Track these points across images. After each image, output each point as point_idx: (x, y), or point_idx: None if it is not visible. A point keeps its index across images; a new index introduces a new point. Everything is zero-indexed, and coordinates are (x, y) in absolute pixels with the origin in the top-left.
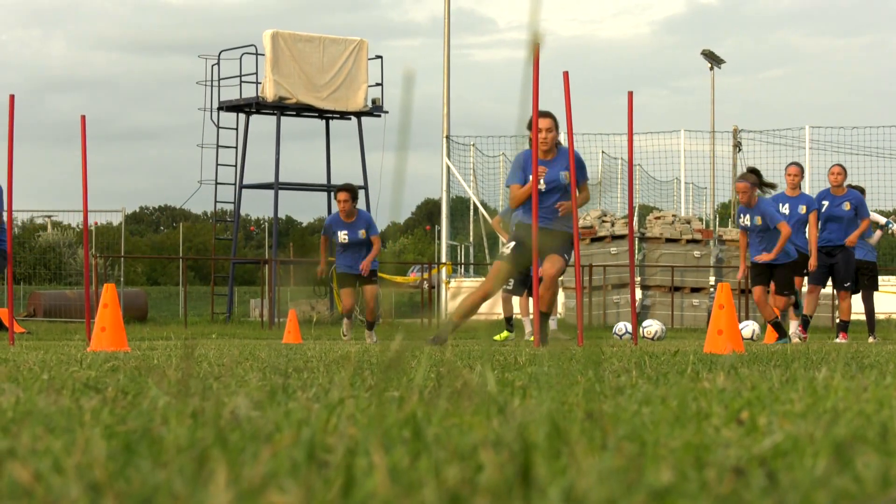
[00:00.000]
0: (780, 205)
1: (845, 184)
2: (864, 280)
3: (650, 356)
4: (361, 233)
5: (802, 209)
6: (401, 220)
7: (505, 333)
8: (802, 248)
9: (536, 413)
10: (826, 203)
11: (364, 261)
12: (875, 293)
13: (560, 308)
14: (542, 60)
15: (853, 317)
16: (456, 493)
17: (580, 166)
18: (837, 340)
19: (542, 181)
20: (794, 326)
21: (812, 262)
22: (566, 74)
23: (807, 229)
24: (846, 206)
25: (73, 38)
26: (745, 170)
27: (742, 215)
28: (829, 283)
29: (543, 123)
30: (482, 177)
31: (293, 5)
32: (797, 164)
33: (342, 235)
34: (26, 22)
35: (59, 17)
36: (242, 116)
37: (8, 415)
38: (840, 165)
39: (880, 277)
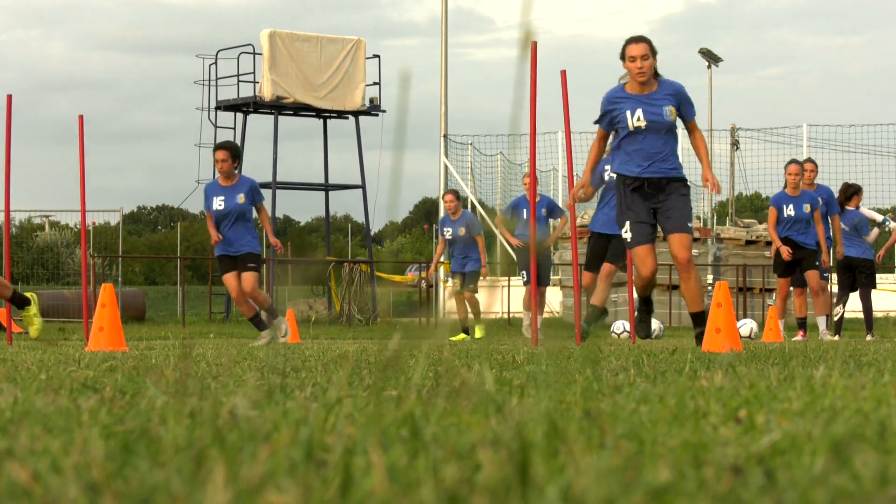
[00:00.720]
0: (784, 205)
1: (802, 183)
2: (861, 278)
3: (648, 355)
4: (240, 198)
5: (807, 208)
6: (398, 220)
7: (462, 335)
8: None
9: (534, 412)
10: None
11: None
12: (873, 291)
13: (558, 307)
14: (539, 59)
15: (850, 315)
16: (454, 492)
17: (684, 100)
18: (796, 339)
19: (640, 117)
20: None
21: (825, 258)
22: (563, 73)
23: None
24: (807, 209)
25: (71, 38)
26: (743, 168)
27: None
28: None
29: (637, 50)
30: (480, 176)
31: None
32: (797, 161)
33: (217, 202)
34: (25, 22)
35: (58, 17)
36: (240, 116)
37: (6, 415)
38: (797, 164)
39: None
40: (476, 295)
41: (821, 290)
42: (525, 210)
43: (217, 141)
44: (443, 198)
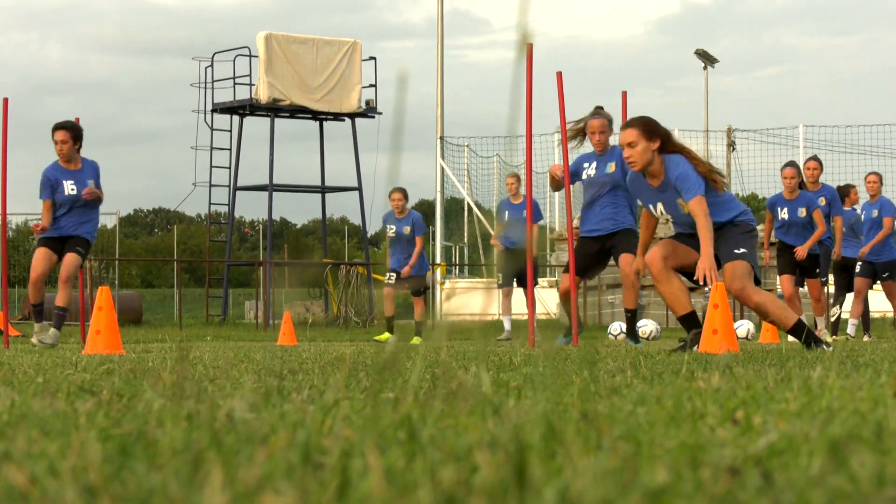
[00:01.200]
0: (779, 208)
1: (807, 183)
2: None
3: (645, 356)
4: (90, 184)
5: (802, 212)
6: None
7: (386, 335)
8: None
9: (531, 414)
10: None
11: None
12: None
13: (554, 308)
14: (535, 61)
15: (845, 315)
16: (451, 494)
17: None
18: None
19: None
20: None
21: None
22: (559, 75)
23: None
24: (801, 213)
25: (68, 41)
26: (740, 170)
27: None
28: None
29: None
30: (476, 178)
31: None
32: (792, 164)
33: (69, 186)
34: (22, 24)
35: (55, 19)
36: (236, 118)
37: (3, 418)
38: (793, 168)
39: None
40: (423, 300)
41: (820, 294)
42: (506, 212)
43: (213, 143)
44: (390, 195)
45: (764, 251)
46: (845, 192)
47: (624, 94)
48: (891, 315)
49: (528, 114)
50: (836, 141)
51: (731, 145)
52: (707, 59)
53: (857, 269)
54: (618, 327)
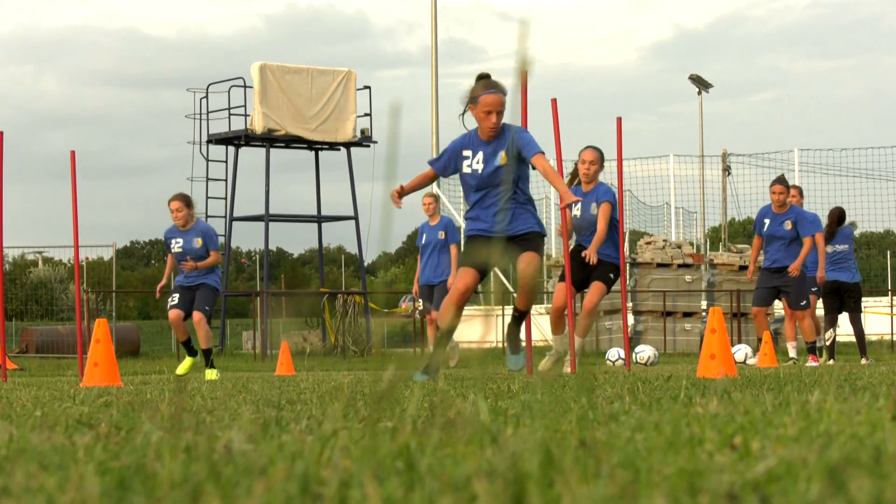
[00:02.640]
0: (764, 218)
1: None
2: (850, 303)
3: (643, 382)
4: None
5: (787, 225)
6: (392, 250)
7: (189, 361)
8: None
9: (530, 442)
10: (767, 221)
11: None
12: (865, 315)
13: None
14: (530, 88)
15: (843, 338)
16: None
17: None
18: (809, 364)
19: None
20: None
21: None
22: (554, 102)
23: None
24: (787, 226)
25: (64, 74)
26: (735, 194)
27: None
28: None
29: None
30: None
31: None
32: (782, 181)
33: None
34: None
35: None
36: (231, 149)
37: (1, 452)
38: (782, 184)
39: (872, 299)
40: (206, 320)
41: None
42: (424, 235)
43: (209, 174)
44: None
45: (748, 274)
46: (838, 214)
47: (619, 120)
48: (888, 338)
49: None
50: (832, 164)
51: (727, 170)
52: (701, 83)
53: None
54: (616, 353)
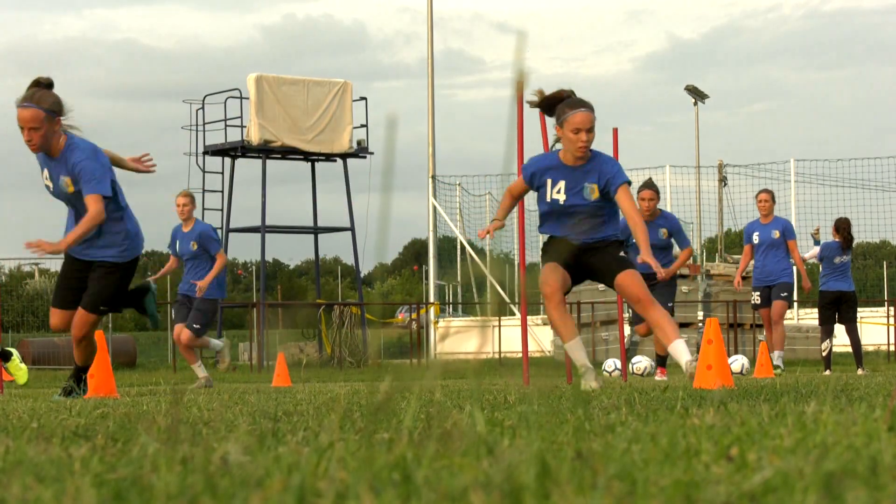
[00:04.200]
0: (753, 231)
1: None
2: (848, 313)
3: (640, 393)
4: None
5: (776, 234)
6: (388, 261)
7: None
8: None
9: (526, 453)
10: (757, 234)
11: None
12: (861, 325)
13: (548, 346)
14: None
15: (840, 349)
16: None
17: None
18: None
19: None
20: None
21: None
22: (542, 115)
23: (781, 254)
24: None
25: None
26: (732, 205)
27: None
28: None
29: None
30: (468, 216)
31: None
32: (767, 190)
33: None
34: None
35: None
36: (228, 160)
37: None
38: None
39: (869, 309)
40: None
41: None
42: (177, 242)
43: (205, 186)
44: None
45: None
46: (843, 224)
47: (615, 131)
48: (885, 348)
49: (520, 152)
50: (828, 175)
51: (723, 180)
52: (697, 94)
53: (760, 298)
54: (612, 364)
